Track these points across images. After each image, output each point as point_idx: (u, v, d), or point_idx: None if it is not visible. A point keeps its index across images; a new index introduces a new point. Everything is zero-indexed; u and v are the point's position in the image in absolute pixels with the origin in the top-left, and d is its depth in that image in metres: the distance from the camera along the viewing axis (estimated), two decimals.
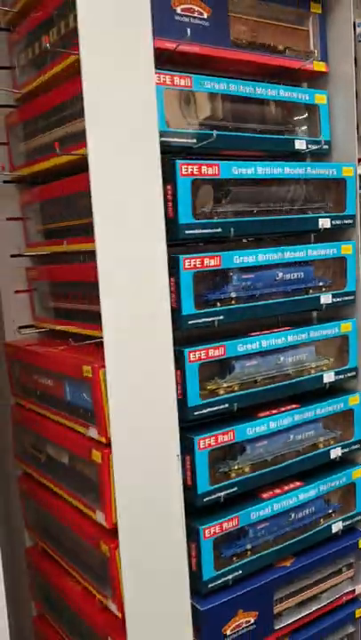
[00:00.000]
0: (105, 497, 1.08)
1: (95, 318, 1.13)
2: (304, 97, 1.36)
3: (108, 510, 1.08)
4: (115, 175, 1.02)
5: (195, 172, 1.12)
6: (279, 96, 1.32)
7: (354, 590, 1.44)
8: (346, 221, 1.38)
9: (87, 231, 1.12)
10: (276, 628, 1.30)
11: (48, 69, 1.15)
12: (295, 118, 1.38)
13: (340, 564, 1.42)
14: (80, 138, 1.12)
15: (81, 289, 1.26)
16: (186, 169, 1.11)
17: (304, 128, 1.40)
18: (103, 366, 1.05)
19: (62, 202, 1.25)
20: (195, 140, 1.19)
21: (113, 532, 1.08)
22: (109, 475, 1.07)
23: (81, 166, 1.18)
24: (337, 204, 1.40)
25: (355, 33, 1.35)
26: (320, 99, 1.39)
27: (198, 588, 1.19)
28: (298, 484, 1.34)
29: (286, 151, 1.35)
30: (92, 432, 1.12)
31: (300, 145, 1.35)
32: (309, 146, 1.36)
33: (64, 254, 1.29)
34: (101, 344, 1.05)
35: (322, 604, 1.37)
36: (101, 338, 1.05)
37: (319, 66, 1.38)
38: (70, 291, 1.31)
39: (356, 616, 1.43)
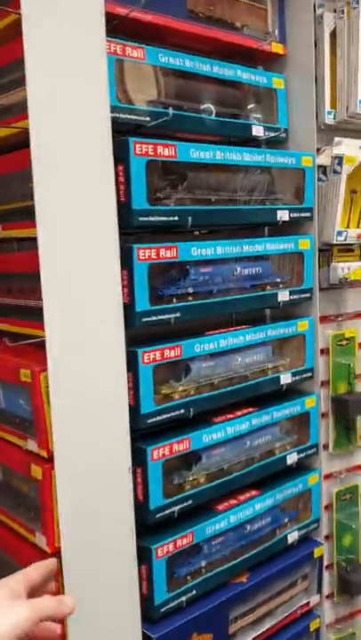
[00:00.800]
0: (46, 518, 0.96)
1: (33, 314, 1.00)
2: (262, 80, 1.28)
3: (50, 532, 0.96)
4: (59, 151, 0.89)
5: (150, 153, 1.01)
6: (237, 77, 1.22)
7: (308, 602, 1.37)
8: (303, 214, 1.31)
9: (25, 215, 0.99)
10: None
11: None
12: (251, 102, 1.30)
13: (296, 575, 1.35)
14: (18, 110, 0.99)
15: (16, 281, 1.12)
16: (140, 148, 0.99)
17: (260, 114, 1.31)
18: (44, 370, 0.92)
19: None
20: (148, 119, 1.08)
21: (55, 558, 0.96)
22: (52, 493, 0.94)
23: (15, 143, 1.04)
24: (294, 196, 1.33)
25: (315, 15, 1.28)
26: (278, 83, 1.30)
27: (150, 614, 1.08)
28: (254, 492, 1.25)
29: (242, 137, 1.26)
30: (32, 445, 0.99)
31: (257, 131, 1.26)
32: (267, 133, 1.28)
33: None
34: (41, 344, 0.92)
35: (277, 620, 1.30)
36: (42, 337, 0.92)
37: (277, 48, 1.30)
38: (2, 284, 1.16)
39: (311, 629, 1.36)
